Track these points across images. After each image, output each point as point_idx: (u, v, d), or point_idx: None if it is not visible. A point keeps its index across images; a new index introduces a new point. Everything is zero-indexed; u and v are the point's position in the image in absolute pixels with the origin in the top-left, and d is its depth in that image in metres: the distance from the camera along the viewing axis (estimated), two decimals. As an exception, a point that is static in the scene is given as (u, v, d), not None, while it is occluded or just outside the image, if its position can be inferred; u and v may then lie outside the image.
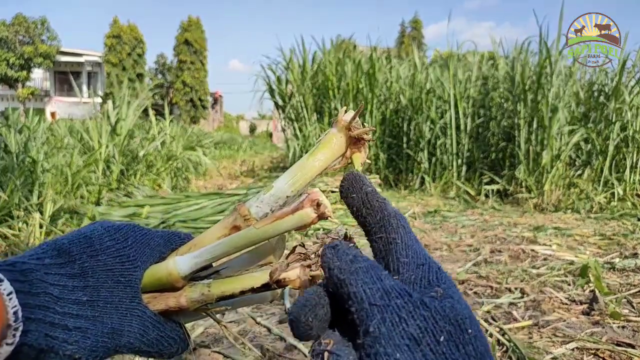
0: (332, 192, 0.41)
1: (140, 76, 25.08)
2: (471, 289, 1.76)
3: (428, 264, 0.28)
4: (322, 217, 0.33)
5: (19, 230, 2.36)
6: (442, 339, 0.23)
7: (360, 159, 0.36)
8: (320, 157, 0.36)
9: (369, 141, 0.36)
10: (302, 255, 0.34)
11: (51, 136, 4.38)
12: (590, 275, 1.71)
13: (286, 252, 0.36)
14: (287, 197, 0.36)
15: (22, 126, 3.11)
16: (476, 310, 1.54)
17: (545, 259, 2.12)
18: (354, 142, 0.36)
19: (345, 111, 0.36)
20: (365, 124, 0.36)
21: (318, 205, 0.32)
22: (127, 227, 0.39)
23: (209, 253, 0.36)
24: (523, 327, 1.41)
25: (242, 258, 0.39)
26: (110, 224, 0.39)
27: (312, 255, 0.33)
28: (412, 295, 0.25)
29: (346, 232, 0.34)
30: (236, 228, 0.37)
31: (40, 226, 2.42)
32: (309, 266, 0.33)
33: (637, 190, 3.62)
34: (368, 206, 0.32)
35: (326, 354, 0.25)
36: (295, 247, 0.35)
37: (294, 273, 0.33)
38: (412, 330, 0.23)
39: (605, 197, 3.56)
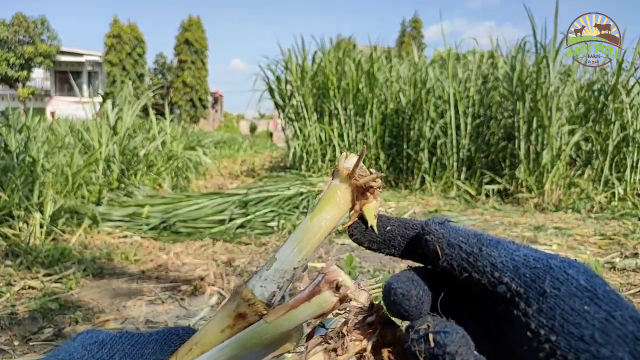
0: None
1: (140, 76, 25.11)
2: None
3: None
4: (344, 300, 0.29)
5: (20, 230, 2.36)
6: (607, 287, 0.22)
7: (373, 209, 0.31)
8: (325, 216, 0.31)
9: (379, 188, 0.31)
10: (323, 337, 0.29)
11: (51, 135, 4.39)
12: (590, 275, 1.71)
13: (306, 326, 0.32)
14: (295, 268, 0.31)
15: (22, 126, 3.11)
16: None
17: (545, 259, 2.12)
18: (362, 191, 0.31)
19: (346, 157, 0.32)
20: (371, 169, 0.31)
21: (338, 287, 0.28)
22: (113, 339, 0.34)
23: (214, 359, 0.31)
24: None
25: (253, 351, 0.34)
26: (94, 338, 0.33)
27: (335, 337, 0.29)
28: (555, 257, 0.24)
29: (372, 302, 0.30)
30: (241, 316, 0.32)
31: (41, 226, 2.42)
32: (334, 350, 0.29)
33: (637, 189, 3.62)
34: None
35: (430, 335, 0.23)
36: (314, 328, 0.31)
37: None
38: (583, 282, 0.22)
39: (606, 197, 3.56)
